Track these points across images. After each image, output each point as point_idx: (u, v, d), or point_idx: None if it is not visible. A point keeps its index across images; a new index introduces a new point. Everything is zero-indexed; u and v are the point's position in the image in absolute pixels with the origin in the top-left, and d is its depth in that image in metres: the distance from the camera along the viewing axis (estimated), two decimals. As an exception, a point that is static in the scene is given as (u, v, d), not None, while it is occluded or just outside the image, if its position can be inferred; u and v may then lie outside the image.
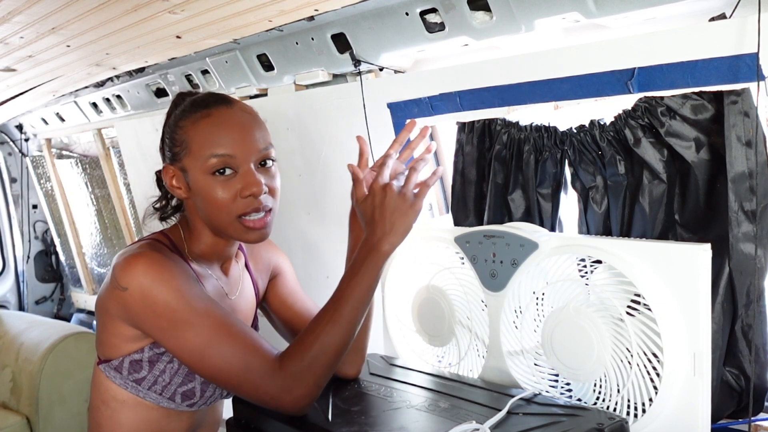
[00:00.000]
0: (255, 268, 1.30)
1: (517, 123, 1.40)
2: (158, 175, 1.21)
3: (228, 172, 1.07)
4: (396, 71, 1.67)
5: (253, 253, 1.32)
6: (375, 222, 1.06)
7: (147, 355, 1.08)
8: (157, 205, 1.23)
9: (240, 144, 1.08)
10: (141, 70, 2.19)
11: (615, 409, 1.09)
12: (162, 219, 1.23)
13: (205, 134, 1.08)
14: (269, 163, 1.12)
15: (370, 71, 1.65)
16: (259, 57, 1.84)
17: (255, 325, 1.29)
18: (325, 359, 1.03)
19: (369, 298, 1.07)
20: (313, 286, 2.00)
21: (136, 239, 1.20)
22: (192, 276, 1.08)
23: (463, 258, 1.34)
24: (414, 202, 1.06)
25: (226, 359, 1.02)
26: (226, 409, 1.28)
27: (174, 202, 1.23)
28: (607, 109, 1.26)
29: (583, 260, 1.15)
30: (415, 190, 1.09)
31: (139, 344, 1.08)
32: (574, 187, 1.35)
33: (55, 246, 3.80)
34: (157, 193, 1.24)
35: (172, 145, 1.11)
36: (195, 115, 1.09)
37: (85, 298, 3.71)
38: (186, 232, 1.16)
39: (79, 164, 3.43)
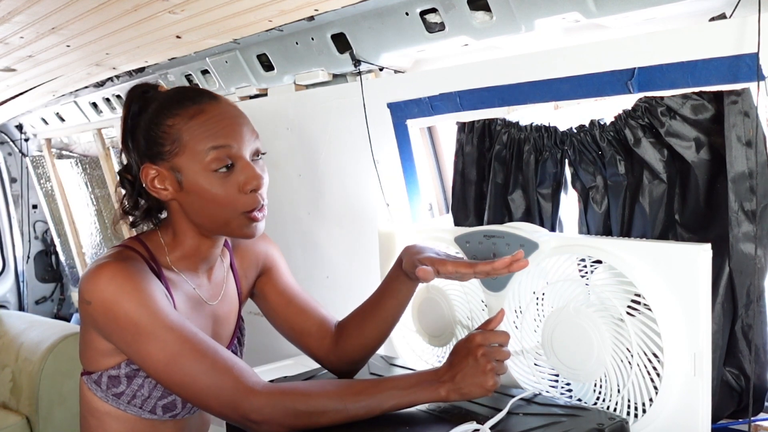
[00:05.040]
0: (241, 266, 1.26)
1: (517, 123, 1.40)
2: (122, 175, 1.13)
3: (227, 167, 1.04)
4: (396, 71, 1.67)
5: (241, 248, 1.26)
6: (454, 366, 1.02)
7: (124, 371, 1.06)
8: (127, 209, 1.14)
9: (237, 135, 1.05)
10: (141, 70, 2.19)
11: (615, 409, 1.09)
12: (133, 225, 1.15)
13: (202, 129, 1.04)
14: (260, 156, 1.09)
15: (370, 71, 1.65)
16: (259, 57, 1.84)
17: (239, 326, 1.25)
18: (314, 420, 1.01)
19: (392, 410, 1.03)
20: (313, 286, 2.00)
21: (115, 245, 1.14)
22: (159, 288, 1.04)
23: (463, 258, 1.34)
24: (487, 380, 0.99)
25: (192, 375, 0.99)
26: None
27: (142, 205, 1.14)
28: (607, 109, 1.26)
29: (583, 260, 1.15)
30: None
31: (115, 360, 1.06)
32: (574, 187, 1.35)
33: (55, 246, 3.80)
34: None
35: (155, 143, 1.05)
36: (186, 112, 1.05)
37: (85, 298, 3.71)
38: (167, 236, 1.12)
39: (79, 164, 3.43)
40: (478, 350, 1.00)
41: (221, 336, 1.20)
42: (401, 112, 1.61)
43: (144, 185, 1.08)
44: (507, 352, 1.03)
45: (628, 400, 1.08)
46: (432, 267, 1.10)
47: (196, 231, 1.11)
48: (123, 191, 1.14)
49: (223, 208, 1.05)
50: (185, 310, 1.10)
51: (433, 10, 1.38)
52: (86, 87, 2.48)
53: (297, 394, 1.01)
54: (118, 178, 1.15)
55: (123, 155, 1.12)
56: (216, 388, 0.99)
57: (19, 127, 3.41)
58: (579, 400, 1.15)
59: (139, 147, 1.08)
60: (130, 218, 1.14)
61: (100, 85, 2.44)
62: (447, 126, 1.65)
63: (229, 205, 1.05)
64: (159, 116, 1.06)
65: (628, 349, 1.07)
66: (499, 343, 1.03)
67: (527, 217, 1.42)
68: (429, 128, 1.71)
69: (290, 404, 1.00)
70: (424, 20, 1.41)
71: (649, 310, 1.04)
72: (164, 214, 1.15)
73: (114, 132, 2.89)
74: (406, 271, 1.16)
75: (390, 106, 1.62)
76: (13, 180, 3.66)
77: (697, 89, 1.12)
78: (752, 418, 1.12)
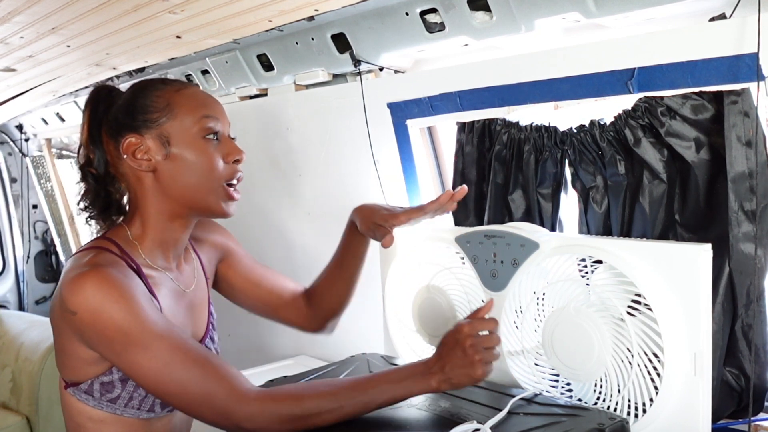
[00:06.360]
0: (202, 252, 1.26)
1: (517, 123, 1.40)
2: (85, 169, 1.12)
3: (215, 136, 1.08)
4: (396, 71, 1.67)
5: (197, 237, 1.27)
6: (442, 357, 1.03)
7: (117, 375, 1.04)
8: (87, 204, 1.12)
9: (221, 112, 1.12)
10: (141, 70, 2.19)
11: (615, 409, 1.09)
12: (90, 218, 1.13)
13: (192, 99, 1.08)
14: (233, 139, 1.15)
15: (370, 71, 1.65)
16: (259, 57, 1.84)
17: (210, 312, 1.24)
18: (310, 422, 1.00)
19: (384, 406, 1.03)
20: (313, 286, 2.00)
21: (84, 245, 1.10)
22: (143, 291, 1.03)
23: (463, 258, 1.34)
24: (475, 370, 1.00)
25: (184, 384, 0.98)
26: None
27: (102, 200, 1.12)
28: (607, 109, 1.26)
29: (583, 260, 1.15)
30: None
31: (104, 365, 1.03)
32: (574, 187, 1.35)
33: (55, 246, 3.80)
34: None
35: (142, 112, 1.06)
36: (171, 86, 1.09)
37: (85, 298, 3.70)
38: (135, 229, 1.10)
39: (79, 164, 3.43)
40: (466, 341, 1.01)
41: (199, 323, 1.20)
42: (401, 112, 1.61)
43: (125, 157, 1.07)
44: (496, 338, 1.03)
45: (629, 400, 1.08)
46: (387, 224, 1.21)
47: (167, 213, 1.10)
48: (84, 187, 1.13)
49: (206, 177, 1.07)
50: (169, 304, 1.10)
51: (433, 10, 1.38)
52: (86, 87, 2.48)
53: (289, 398, 1.01)
54: (80, 174, 1.14)
55: (81, 154, 1.12)
56: (209, 396, 0.98)
57: (19, 127, 3.41)
58: (579, 400, 1.15)
59: (117, 124, 1.08)
60: (87, 214, 1.13)
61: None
62: (447, 126, 1.65)
63: (213, 172, 1.08)
64: (143, 91, 1.09)
65: (628, 349, 1.07)
66: (487, 330, 1.03)
67: (527, 217, 1.42)
68: (429, 128, 1.71)
69: (284, 409, 0.99)
70: (424, 20, 1.41)
71: (650, 310, 1.04)
72: (120, 219, 1.14)
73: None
74: (363, 233, 1.27)
75: (390, 106, 1.62)
76: (13, 180, 3.66)
77: (697, 89, 1.12)
78: (752, 418, 1.12)
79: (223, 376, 1.00)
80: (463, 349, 1.00)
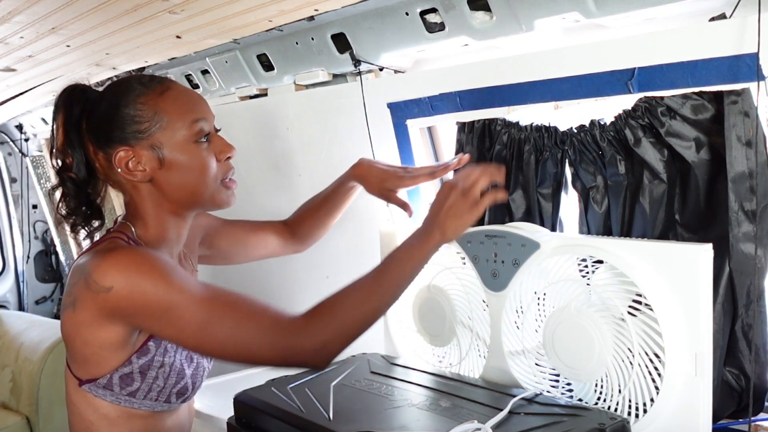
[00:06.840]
0: (185, 244, 1.26)
1: (517, 123, 1.40)
2: (63, 174, 1.10)
3: (205, 138, 1.09)
4: (396, 71, 1.67)
5: None
6: (436, 214, 1.10)
7: (136, 366, 1.04)
8: (71, 209, 1.11)
9: (207, 110, 1.12)
10: (141, 70, 2.19)
11: (616, 409, 1.09)
12: (73, 229, 1.13)
13: (178, 103, 1.07)
14: (218, 131, 1.15)
15: (370, 71, 1.65)
16: (259, 57, 1.84)
17: None
18: (355, 321, 1.03)
19: (410, 278, 1.08)
20: (312, 286, 2.00)
21: (95, 241, 1.10)
22: (171, 259, 1.06)
23: (464, 258, 1.34)
24: (473, 206, 1.10)
25: (233, 329, 0.98)
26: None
27: (82, 210, 1.11)
28: (607, 109, 1.26)
29: (584, 260, 1.15)
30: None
31: (123, 354, 1.02)
32: (574, 187, 1.35)
33: (55, 246, 3.80)
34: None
35: (130, 123, 1.04)
36: (153, 90, 1.06)
37: (84, 298, 3.70)
38: (139, 229, 1.10)
39: (79, 164, 3.42)
40: (454, 194, 1.09)
41: None
42: (401, 112, 1.61)
43: (119, 170, 1.06)
44: (478, 174, 1.11)
45: (629, 400, 1.08)
46: (399, 188, 1.36)
47: (167, 212, 1.11)
48: (63, 192, 1.11)
49: (204, 179, 1.08)
50: None
51: (433, 10, 1.38)
52: (86, 87, 2.48)
53: (329, 305, 1.04)
54: (57, 179, 1.11)
55: (57, 158, 1.09)
56: (264, 335, 0.99)
57: (19, 127, 3.40)
58: (580, 400, 1.15)
59: (105, 136, 1.06)
60: (71, 220, 1.12)
61: (100, 85, 2.44)
62: (447, 126, 1.65)
63: (209, 174, 1.09)
64: (125, 98, 1.06)
65: (629, 349, 1.07)
66: (471, 177, 1.10)
67: (527, 217, 1.42)
68: (429, 128, 1.71)
69: (331, 321, 1.02)
70: (424, 20, 1.41)
71: (651, 310, 1.04)
72: (97, 223, 1.14)
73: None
74: (373, 194, 1.39)
75: (390, 106, 1.62)
76: (13, 180, 3.66)
77: (697, 89, 1.12)
78: (752, 418, 1.12)
79: (271, 315, 1.01)
80: (451, 202, 1.08)
